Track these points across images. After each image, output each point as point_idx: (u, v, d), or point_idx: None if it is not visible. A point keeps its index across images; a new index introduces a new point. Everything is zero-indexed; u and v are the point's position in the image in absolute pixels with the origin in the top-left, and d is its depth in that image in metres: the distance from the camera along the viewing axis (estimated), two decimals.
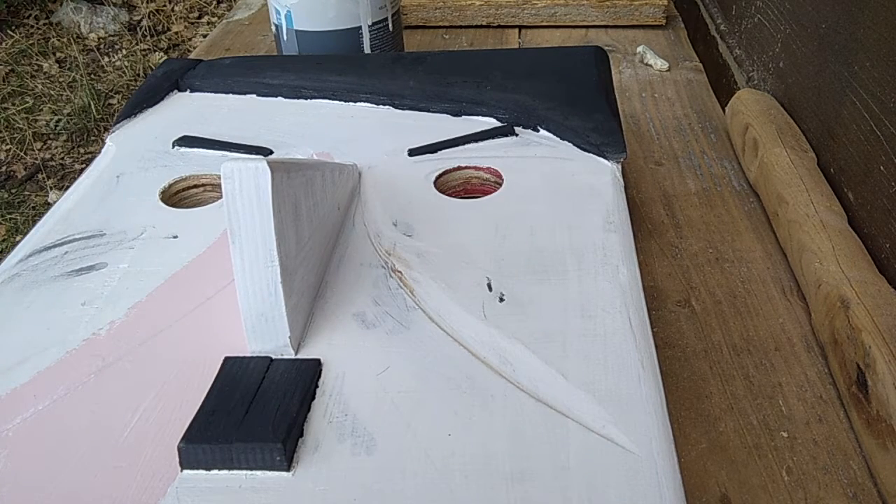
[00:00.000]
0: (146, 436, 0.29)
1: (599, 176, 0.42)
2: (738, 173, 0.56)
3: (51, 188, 1.66)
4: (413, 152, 0.45)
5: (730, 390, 0.39)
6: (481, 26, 0.81)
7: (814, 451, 0.36)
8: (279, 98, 0.52)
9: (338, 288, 0.35)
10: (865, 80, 0.47)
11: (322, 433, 0.28)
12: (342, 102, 0.51)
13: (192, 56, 0.74)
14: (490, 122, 0.48)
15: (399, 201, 0.41)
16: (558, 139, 0.46)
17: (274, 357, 0.31)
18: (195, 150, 0.46)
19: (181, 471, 0.27)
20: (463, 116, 0.49)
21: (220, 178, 0.33)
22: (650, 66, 0.72)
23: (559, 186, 0.42)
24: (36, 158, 1.76)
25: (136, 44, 2.24)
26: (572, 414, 0.29)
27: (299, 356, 0.32)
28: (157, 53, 2.20)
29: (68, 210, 0.41)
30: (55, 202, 0.43)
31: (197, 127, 0.48)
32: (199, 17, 2.42)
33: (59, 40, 2.24)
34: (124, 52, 2.19)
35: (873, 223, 0.45)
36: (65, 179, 1.70)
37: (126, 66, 2.11)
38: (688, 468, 0.35)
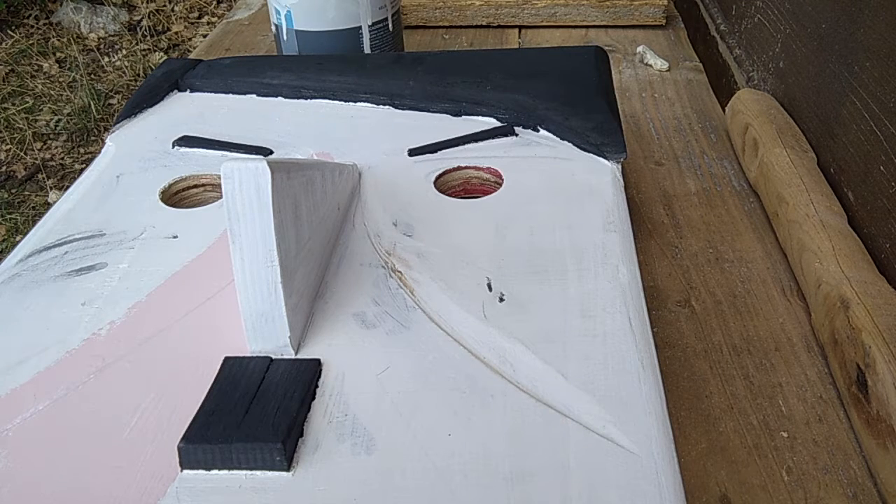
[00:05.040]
0: (146, 436, 0.29)
1: (599, 176, 0.42)
2: (738, 173, 0.56)
3: (51, 188, 1.66)
4: (413, 152, 0.45)
5: (730, 390, 0.39)
6: (481, 26, 0.81)
7: (814, 451, 0.36)
8: (279, 98, 0.52)
9: (338, 288, 0.35)
10: (865, 80, 0.47)
11: (322, 433, 0.28)
12: (342, 102, 0.51)
13: (192, 56, 0.74)
14: (490, 122, 0.48)
15: (399, 201, 0.41)
16: (558, 139, 0.46)
17: (274, 357, 0.31)
18: (195, 150, 0.46)
19: (181, 471, 0.27)
20: (463, 116, 0.49)
21: (220, 178, 0.33)
22: (650, 66, 0.72)
23: (559, 186, 0.42)
24: (36, 158, 1.76)
25: (136, 44, 2.23)
26: (572, 414, 0.29)
27: (299, 356, 0.32)
28: (157, 53, 2.20)
29: (68, 210, 0.41)
30: (55, 202, 0.43)
31: (197, 127, 0.48)
32: (199, 17, 2.42)
33: (59, 40, 2.24)
34: (124, 52, 2.19)
35: (873, 223, 0.45)
36: (65, 179, 1.70)
37: (126, 66, 2.11)
38: (688, 468, 0.35)
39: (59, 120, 1.89)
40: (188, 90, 0.53)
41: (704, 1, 0.88)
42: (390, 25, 0.63)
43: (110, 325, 0.34)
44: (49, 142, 1.83)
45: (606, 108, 0.47)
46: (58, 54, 2.18)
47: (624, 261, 0.36)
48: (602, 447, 0.28)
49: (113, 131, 0.49)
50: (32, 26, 2.32)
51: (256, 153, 0.46)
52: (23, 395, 0.31)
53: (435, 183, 0.43)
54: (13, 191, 1.67)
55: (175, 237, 0.39)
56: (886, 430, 0.33)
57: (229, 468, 0.27)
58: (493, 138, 0.46)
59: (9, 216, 1.58)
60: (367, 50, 0.62)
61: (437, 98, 0.49)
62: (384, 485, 0.27)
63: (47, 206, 1.59)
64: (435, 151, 0.45)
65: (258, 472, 0.27)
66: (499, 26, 0.81)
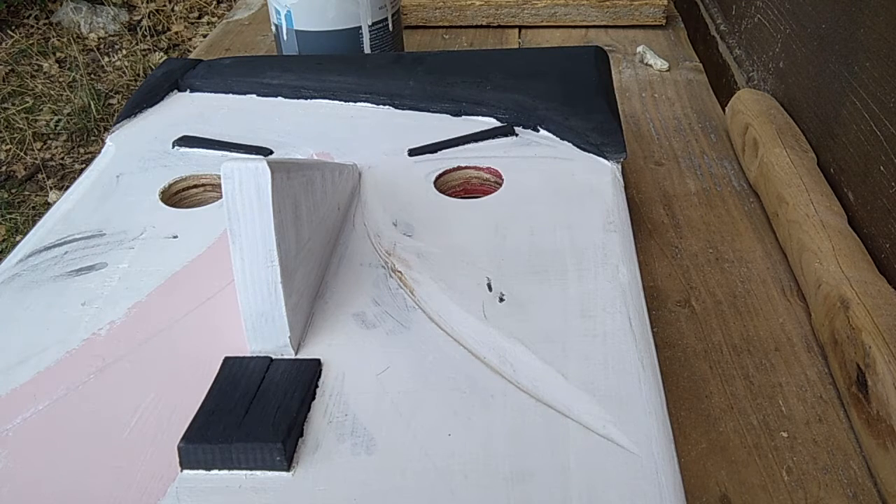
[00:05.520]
0: (146, 436, 0.29)
1: (599, 176, 0.42)
2: (738, 173, 0.56)
3: (51, 188, 1.66)
4: (413, 152, 0.45)
5: (730, 390, 0.39)
6: (481, 26, 0.81)
7: (814, 451, 0.36)
8: (279, 98, 0.52)
9: (338, 288, 0.35)
10: (865, 80, 0.47)
11: (322, 433, 0.28)
12: (342, 102, 0.51)
13: (192, 56, 0.74)
14: (490, 122, 0.48)
15: (399, 201, 0.41)
16: (558, 139, 0.46)
17: (274, 357, 0.31)
18: (195, 150, 0.46)
19: (181, 471, 0.27)
20: (463, 116, 0.49)
21: (220, 178, 0.33)
22: (650, 66, 0.72)
23: (559, 186, 0.42)
24: (36, 158, 1.76)
25: (136, 44, 2.23)
26: (572, 414, 0.29)
27: (299, 356, 0.32)
28: (157, 53, 2.20)
29: (68, 210, 0.41)
30: (55, 202, 0.43)
31: (197, 127, 0.48)
32: (199, 17, 2.42)
33: (59, 40, 2.24)
34: (124, 52, 2.19)
35: (873, 223, 0.45)
36: (65, 179, 1.70)
37: (126, 66, 2.11)
38: (688, 468, 0.35)
39: (59, 120, 1.89)
40: (188, 90, 0.53)
41: (704, 1, 0.88)
42: (390, 25, 0.63)
43: (110, 325, 0.34)
44: (49, 142, 1.83)
45: (606, 108, 0.47)
46: (58, 54, 2.18)
47: (624, 261, 0.36)
48: (602, 447, 0.28)
49: (113, 131, 0.49)
50: (32, 26, 2.32)
51: (256, 153, 0.46)
52: (23, 395, 0.31)
53: (435, 183, 0.43)
54: (13, 191, 1.67)
55: (175, 237, 0.39)
56: (886, 430, 0.33)
57: (229, 468, 0.27)
58: (493, 138, 0.46)
59: (9, 216, 1.58)
60: (367, 50, 0.62)
61: (437, 98, 0.49)
62: (384, 485, 0.27)
63: (47, 206, 1.59)
64: (435, 151, 0.45)
65: (258, 472, 0.27)
66: (499, 26, 0.81)
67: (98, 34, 2.28)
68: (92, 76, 2.08)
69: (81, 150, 1.81)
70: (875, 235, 0.45)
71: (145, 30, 2.30)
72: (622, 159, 0.44)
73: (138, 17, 2.37)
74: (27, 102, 1.95)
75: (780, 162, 0.50)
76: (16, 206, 1.62)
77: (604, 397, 0.29)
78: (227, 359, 0.31)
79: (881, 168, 0.44)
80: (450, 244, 0.37)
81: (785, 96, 0.60)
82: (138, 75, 2.07)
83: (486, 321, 0.33)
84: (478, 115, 0.48)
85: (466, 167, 0.44)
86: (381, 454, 0.28)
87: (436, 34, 0.81)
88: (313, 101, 0.51)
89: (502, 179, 0.43)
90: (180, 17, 2.39)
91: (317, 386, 0.30)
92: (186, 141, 0.47)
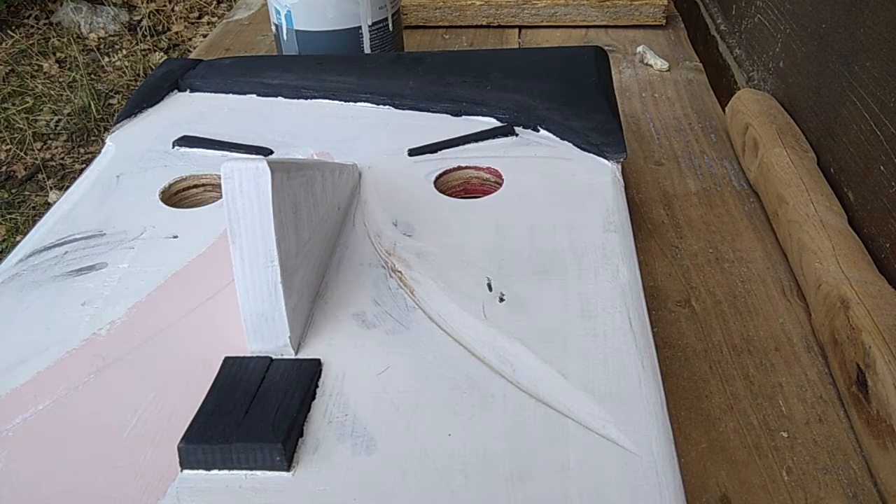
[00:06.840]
0: (146, 436, 0.29)
1: (599, 176, 0.42)
2: (738, 173, 0.56)
3: (51, 188, 1.66)
4: (413, 152, 0.45)
5: (730, 390, 0.39)
6: (481, 26, 0.81)
7: (814, 451, 0.36)
8: (279, 98, 0.52)
9: (338, 288, 0.35)
10: (865, 80, 0.47)
11: (322, 433, 0.28)
12: (342, 102, 0.51)
13: (192, 56, 0.74)
14: (490, 122, 0.48)
15: (399, 201, 0.41)
16: (558, 139, 0.46)
17: (274, 357, 0.31)
18: (195, 150, 0.46)
19: (181, 471, 0.27)
20: (463, 116, 0.49)
21: (220, 178, 0.33)
22: (650, 66, 0.72)
23: (559, 186, 0.42)
24: (36, 158, 1.76)
25: (136, 44, 2.24)
26: (572, 414, 0.29)
27: (299, 356, 0.32)
28: (157, 53, 2.20)
29: (68, 210, 0.41)
30: (55, 202, 0.43)
31: (197, 127, 0.48)
32: (199, 17, 2.42)
33: (59, 40, 2.24)
34: (124, 52, 2.19)
35: (873, 223, 0.45)
36: (65, 179, 1.70)
37: (126, 66, 2.11)
38: (688, 468, 0.35)
39: (59, 120, 1.89)
40: (188, 90, 0.53)
41: (704, 1, 0.88)
42: (390, 25, 0.63)
43: (110, 325, 0.34)
44: (49, 142, 1.83)
45: (606, 108, 0.47)
46: (58, 54, 2.18)
47: (624, 261, 0.36)
48: (602, 447, 0.28)
49: (113, 131, 0.49)
50: (32, 26, 2.32)
51: (256, 153, 0.46)
52: (23, 395, 0.31)
53: (435, 183, 0.43)
54: (13, 191, 1.67)
55: (175, 237, 0.39)
56: (886, 430, 0.33)
57: (229, 468, 0.27)
58: (493, 138, 0.46)
59: (9, 216, 1.58)
60: (367, 50, 0.62)
61: (437, 98, 0.49)
62: (384, 485, 0.27)
63: (47, 206, 1.59)
64: (435, 151, 0.45)
65: (258, 472, 0.27)
66: (499, 26, 0.81)
67: (98, 34, 2.28)
68: (92, 76, 2.08)
69: (81, 150, 1.81)
70: (875, 235, 0.45)
71: (145, 30, 2.30)
72: (622, 159, 0.44)
73: (138, 17, 2.37)
74: (27, 102, 1.95)
75: (780, 162, 0.50)
76: (16, 206, 1.62)
77: (604, 397, 0.29)
78: (227, 359, 0.31)
79: (881, 168, 0.44)
80: (450, 244, 0.37)
81: (785, 96, 0.60)
82: (138, 75, 2.07)
83: (486, 321, 0.33)
84: (478, 115, 0.48)
85: (466, 167, 0.44)
86: (381, 454, 0.28)
87: (436, 34, 0.81)
88: (313, 101, 0.51)
89: (502, 179, 0.43)
90: (180, 17, 2.39)
91: (317, 386, 0.30)
92: (186, 141, 0.47)
